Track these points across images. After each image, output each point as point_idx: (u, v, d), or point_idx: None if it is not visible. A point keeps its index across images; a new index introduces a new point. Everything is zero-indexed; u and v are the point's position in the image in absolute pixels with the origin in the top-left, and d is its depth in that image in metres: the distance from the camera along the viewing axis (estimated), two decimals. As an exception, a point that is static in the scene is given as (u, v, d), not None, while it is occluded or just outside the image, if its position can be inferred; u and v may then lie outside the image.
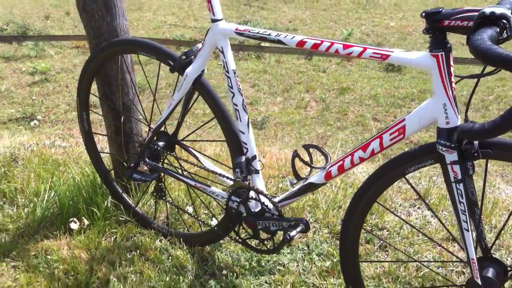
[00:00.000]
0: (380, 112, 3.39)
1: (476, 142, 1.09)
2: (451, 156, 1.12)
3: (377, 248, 1.51)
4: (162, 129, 1.70)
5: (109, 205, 1.74)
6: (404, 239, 1.53)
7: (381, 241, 1.56)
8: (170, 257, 1.50)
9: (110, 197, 1.82)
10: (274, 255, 1.59)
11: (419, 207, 1.72)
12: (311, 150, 1.40)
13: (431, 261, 1.49)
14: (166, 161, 1.71)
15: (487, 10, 0.98)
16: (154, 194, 1.72)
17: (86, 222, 1.70)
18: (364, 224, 1.57)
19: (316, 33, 5.32)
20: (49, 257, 1.49)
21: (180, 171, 1.73)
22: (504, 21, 0.98)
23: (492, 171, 2.57)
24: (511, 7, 1.04)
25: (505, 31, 0.97)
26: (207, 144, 2.31)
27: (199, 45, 1.54)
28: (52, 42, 4.75)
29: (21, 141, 2.35)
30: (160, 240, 1.57)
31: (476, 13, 0.99)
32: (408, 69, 4.23)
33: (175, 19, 5.91)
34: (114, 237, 1.59)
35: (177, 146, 1.72)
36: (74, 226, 1.70)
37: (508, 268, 1.17)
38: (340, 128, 3.25)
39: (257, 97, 3.67)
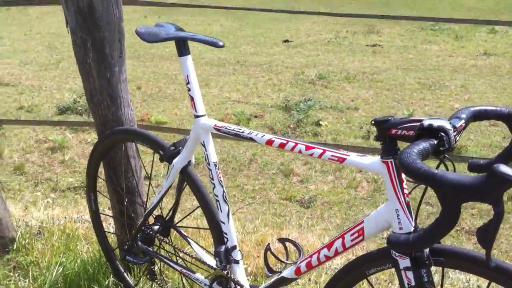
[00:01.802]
0: (434, 195, 3.26)
1: (426, 250, 1.09)
2: (404, 262, 1.12)
3: None
4: (158, 213, 1.80)
5: (110, 284, 1.78)
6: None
7: None
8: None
9: (111, 276, 1.88)
10: None
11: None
12: (286, 243, 1.44)
13: None
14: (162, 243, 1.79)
15: (426, 123, 1.02)
16: (147, 276, 1.80)
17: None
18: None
19: (377, 113, 5.30)
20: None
21: (172, 255, 1.81)
22: (442, 133, 0.99)
23: None
24: (467, 117, 1.04)
25: (443, 144, 0.99)
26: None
27: (188, 137, 1.65)
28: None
29: (51, 215, 2.45)
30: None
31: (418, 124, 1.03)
32: (469, 152, 4.09)
33: (239, 96, 6.08)
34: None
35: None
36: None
37: None
38: (390, 211, 3.15)
39: (308, 175, 3.65)
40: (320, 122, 4.90)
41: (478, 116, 1.14)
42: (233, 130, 1.51)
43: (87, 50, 1.91)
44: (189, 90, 1.66)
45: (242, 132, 1.48)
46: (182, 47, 1.67)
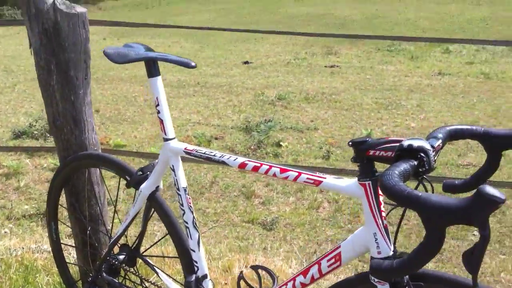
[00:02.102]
0: (394, 215, 3.31)
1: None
2: None
3: None
4: (124, 242, 1.75)
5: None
6: None
7: None
8: None
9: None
10: None
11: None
12: (259, 271, 1.42)
13: None
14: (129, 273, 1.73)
15: (405, 143, 1.00)
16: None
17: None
18: None
19: (336, 132, 5.36)
20: None
21: (139, 286, 1.76)
22: (422, 154, 0.98)
23: None
24: (444, 136, 1.04)
25: (423, 164, 0.97)
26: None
27: (156, 161, 1.62)
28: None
29: (7, 245, 2.37)
30: None
31: (398, 144, 1.00)
32: (426, 170, 4.18)
33: (199, 117, 6.07)
34: None
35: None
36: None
37: None
38: (351, 230, 3.18)
39: (270, 196, 3.65)
40: (281, 143, 4.93)
41: (454, 135, 1.14)
42: (204, 153, 1.49)
43: (51, 72, 1.86)
44: (158, 112, 1.63)
45: (214, 155, 1.46)
46: (152, 68, 1.63)
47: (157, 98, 1.63)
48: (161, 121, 1.62)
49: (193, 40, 13.74)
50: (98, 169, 1.97)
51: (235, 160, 1.40)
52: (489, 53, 10.18)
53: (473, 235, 3.24)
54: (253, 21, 16.56)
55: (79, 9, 1.90)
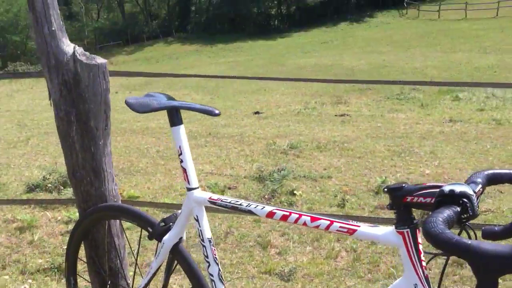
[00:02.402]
0: (434, 264, 3.22)
1: None
2: None
3: None
4: None
5: None
6: None
7: None
8: None
9: None
10: None
11: None
12: None
13: None
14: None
15: (446, 188, 0.96)
16: None
17: None
18: None
19: (350, 181, 5.32)
20: None
21: None
22: (465, 199, 0.95)
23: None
24: (483, 181, 1.01)
25: (467, 210, 0.94)
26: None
27: (179, 212, 1.59)
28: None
29: None
30: None
31: (438, 190, 0.97)
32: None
33: (212, 167, 6.06)
34: None
35: None
36: None
37: None
38: (371, 280, 3.09)
39: (286, 246, 3.59)
40: (295, 192, 4.89)
41: (493, 180, 1.11)
42: (230, 203, 1.44)
43: (70, 123, 1.85)
44: (181, 161, 1.60)
45: (240, 204, 1.42)
46: (175, 117, 1.61)
47: (180, 147, 1.61)
48: (184, 170, 1.58)
49: (204, 92, 13.93)
50: (118, 220, 1.94)
51: (262, 209, 1.37)
52: (499, 100, 10.21)
53: None
54: (262, 72, 16.79)
55: (99, 60, 1.90)
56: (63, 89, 1.84)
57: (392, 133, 7.77)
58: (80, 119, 1.85)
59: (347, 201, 4.57)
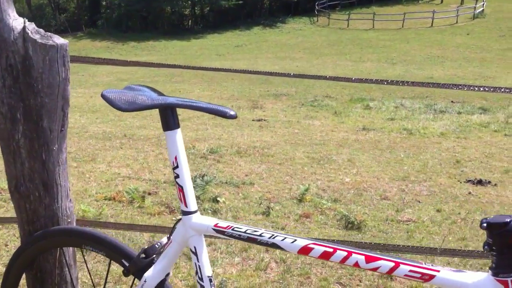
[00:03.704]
0: (345, 275, 3.22)
1: None
2: None
3: None
4: None
5: None
6: None
7: None
8: None
9: None
10: None
11: None
12: None
13: None
14: None
15: None
16: None
17: None
18: None
19: (272, 187, 5.28)
20: None
21: None
22: None
23: None
24: None
25: None
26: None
27: (164, 240, 1.33)
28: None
29: None
30: None
31: None
32: (368, 227, 4.16)
33: (129, 171, 5.80)
34: None
35: None
36: None
37: None
38: (303, 293, 3.04)
39: (214, 257, 3.46)
40: (218, 199, 4.77)
41: None
42: (245, 232, 1.16)
43: (16, 122, 1.47)
44: (177, 176, 1.30)
45: (260, 235, 1.13)
46: (170, 118, 1.32)
47: (176, 158, 1.31)
48: (180, 189, 1.29)
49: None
50: (70, 248, 1.60)
51: (293, 242, 1.08)
52: (408, 110, 10.66)
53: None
54: (176, 73, 16.52)
55: (58, 40, 1.50)
56: (7, 77, 1.45)
57: (310, 140, 7.86)
58: (29, 117, 1.49)
59: (271, 209, 4.52)
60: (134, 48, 32.23)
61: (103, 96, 1.33)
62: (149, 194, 4.94)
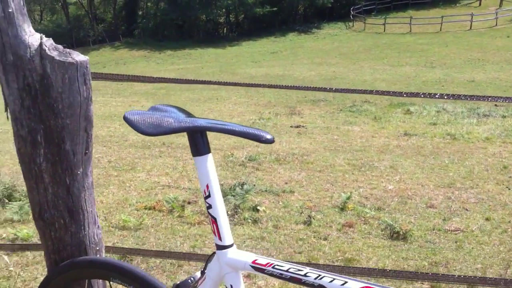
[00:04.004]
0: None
1: None
2: None
3: None
4: None
5: None
6: None
7: None
8: None
9: None
10: None
11: None
12: None
13: None
14: None
15: None
16: None
17: None
18: None
19: (313, 195, 5.17)
20: None
21: None
22: None
23: None
24: None
25: None
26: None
27: (197, 275, 1.23)
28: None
29: None
30: None
31: None
32: (414, 237, 4.00)
33: (168, 180, 5.78)
34: None
35: None
36: None
37: None
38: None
39: None
40: (258, 207, 4.69)
41: None
42: (287, 271, 1.06)
43: (36, 145, 1.39)
44: (209, 207, 1.19)
45: (305, 275, 1.03)
46: (200, 142, 1.21)
47: (208, 187, 1.20)
48: (214, 220, 1.18)
49: (154, 99, 13.55)
50: (107, 282, 1.47)
51: (343, 284, 0.96)
52: (450, 114, 10.38)
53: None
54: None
55: (78, 57, 1.40)
56: (26, 97, 1.36)
57: (350, 146, 7.71)
58: (51, 140, 1.40)
59: (313, 218, 4.41)
60: (171, 56, 32.56)
61: (126, 119, 1.23)
62: (189, 203, 4.90)
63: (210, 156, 1.24)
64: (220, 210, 1.20)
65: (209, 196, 1.21)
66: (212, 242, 3.85)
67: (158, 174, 6.01)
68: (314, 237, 4.04)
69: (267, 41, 36.82)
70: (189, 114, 1.29)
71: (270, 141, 1.15)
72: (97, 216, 1.49)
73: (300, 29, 39.18)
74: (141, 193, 5.28)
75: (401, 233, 3.99)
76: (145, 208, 4.71)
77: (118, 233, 4.12)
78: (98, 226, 1.49)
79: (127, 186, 5.54)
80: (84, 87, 1.41)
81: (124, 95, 14.32)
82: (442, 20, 33.79)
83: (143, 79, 2.39)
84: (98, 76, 2.10)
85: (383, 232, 4.12)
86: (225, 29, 43.23)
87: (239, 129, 1.20)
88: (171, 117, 1.22)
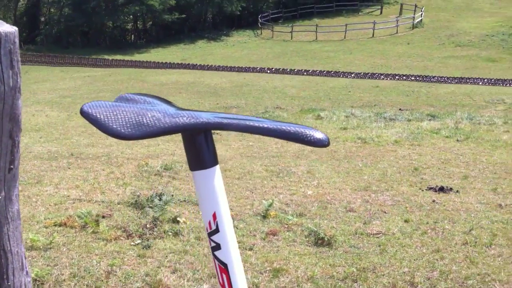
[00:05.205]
0: None
1: None
2: None
3: None
4: None
5: None
6: None
7: None
8: None
9: None
10: None
11: None
12: None
13: None
14: None
15: None
16: None
17: None
18: None
19: (233, 204, 5.05)
20: None
21: None
22: None
23: None
24: None
25: None
26: None
27: None
28: None
29: None
30: None
31: None
32: (339, 242, 3.99)
33: (79, 193, 5.44)
34: None
35: None
36: None
37: None
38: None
39: (180, 285, 3.20)
40: (178, 219, 4.50)
41: None
42: None
43: None
44: (216, 247, 0.84)
45: None
46: (204, 147, 0.84)
47: (214, 216, 0.83)
48: (223, 268, 0.83)
49: (59, 108, 12.92)
50: None
51: None
52: (359, 119, 10.70)
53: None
54: (122, 88, 16.08)
55: (4, 27, 1.04)
56: None
57: (266, 152, 7.69)
58: None
59: (236, 227, 4.29)
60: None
61: (85, 114, 0.89)
62: (103, 217, 4.61)
63: (217, 169, 0.86)
64: (233, 252, 0.85)
65: (216, 231, 0.86)
66: (133, 260, 3.62)
67: (68, 187, 5.64)
68: (239, 247, 3.92)
69: (176, 48, 36.45)
70: (179, 108, 0.89)
71: (323, 143, 0.80)
72: (25, 258, 1.12)
73: (209, 36, 39.15)
74: (50, 208, 4.92)
75: (325, 239, 3.97)
76: (55, 225, 4.37)
77: (26, 254, 3.77)
78: (27, 273, 1.12)
79: (33, 201, 5.14)
80: (10, 72, 0.99)
81: (26, 104, 13.52)
82: (346, 28, 35.05)
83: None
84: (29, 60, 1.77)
85: (307, 239, 4.08)
86: (132, 36, 42.30)
87: (273, 126, 0.78)
88: (156, 110, 0.83)
